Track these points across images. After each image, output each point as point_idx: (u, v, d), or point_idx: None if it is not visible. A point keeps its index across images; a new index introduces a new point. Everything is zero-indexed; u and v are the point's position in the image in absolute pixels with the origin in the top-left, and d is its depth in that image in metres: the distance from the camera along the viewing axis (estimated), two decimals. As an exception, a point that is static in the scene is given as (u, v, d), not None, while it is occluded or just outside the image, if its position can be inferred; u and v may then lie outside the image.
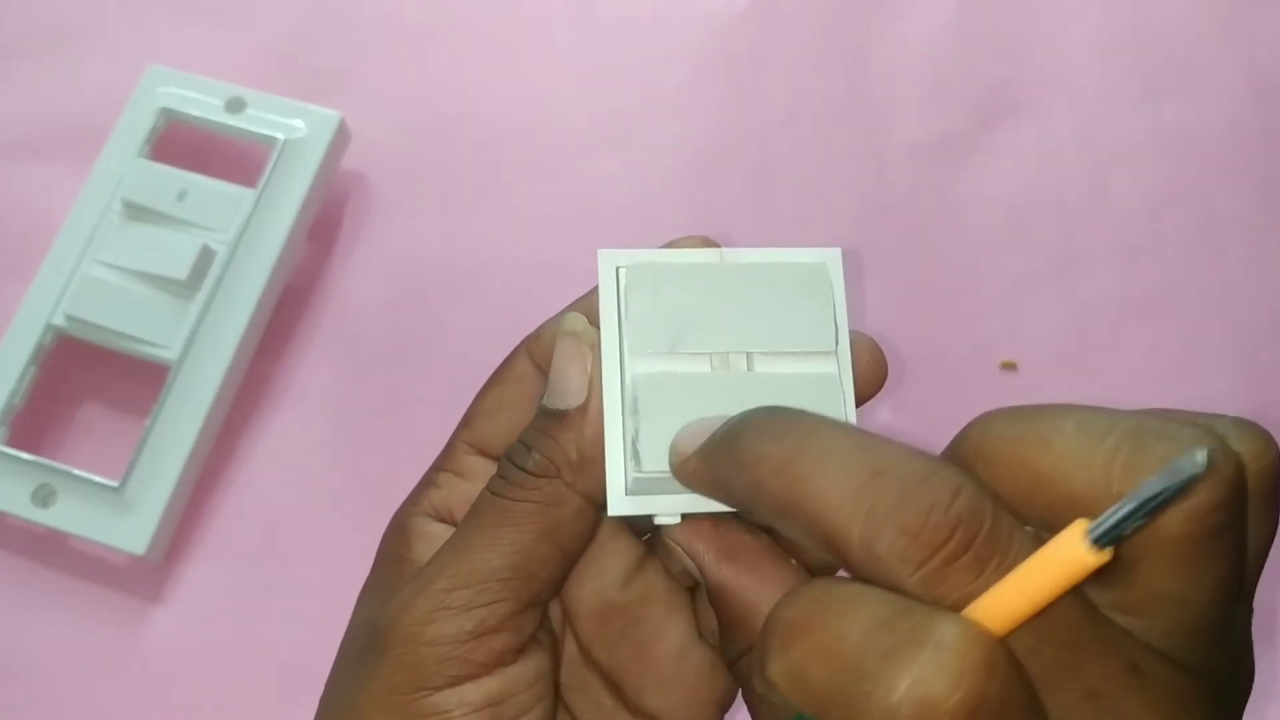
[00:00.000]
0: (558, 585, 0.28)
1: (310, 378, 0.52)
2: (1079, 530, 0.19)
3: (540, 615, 0.28)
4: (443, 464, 0.30)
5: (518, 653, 0.27)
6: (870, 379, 0.29)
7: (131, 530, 0.47)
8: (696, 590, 0.31)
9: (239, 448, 0.51)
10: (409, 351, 0.53)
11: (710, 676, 0.30)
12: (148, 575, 0.49)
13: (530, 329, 0.30)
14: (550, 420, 0.27)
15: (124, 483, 0.47)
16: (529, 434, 0.27)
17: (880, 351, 0.29)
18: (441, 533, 0.28)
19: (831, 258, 0.28)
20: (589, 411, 0.27)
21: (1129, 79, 0.58)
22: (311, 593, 0.48)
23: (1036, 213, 0.55)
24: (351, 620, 0.29)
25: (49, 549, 0.49)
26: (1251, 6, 0.59)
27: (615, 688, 0.30)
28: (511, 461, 0.27)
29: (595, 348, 0.27)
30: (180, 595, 0.49)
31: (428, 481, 0.30)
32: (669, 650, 0.30)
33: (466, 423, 0.30)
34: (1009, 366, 0.52)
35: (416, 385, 0.52)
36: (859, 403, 0.29)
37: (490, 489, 0.27)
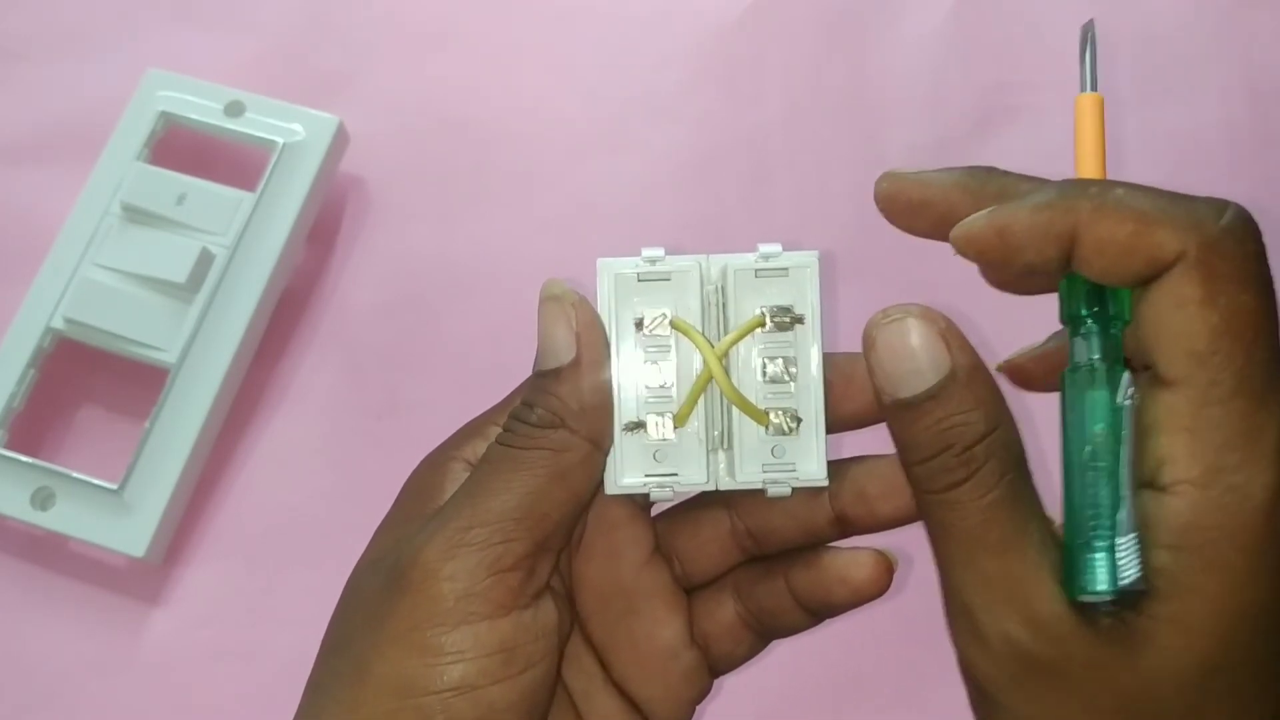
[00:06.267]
0: (568, 532, 0.29)
1: (309, 380, 0.53)
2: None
3: (553, 564, 0.28)
4: (495, 417, 0.30)
5: (532, 598, 0.28)
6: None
7: (131, 532, 0.47)
8: (694, 592, 0.32)
9: (238, 450, 0.51)
10: (407, 354, 0.53)
11: (693, 678, 0.31)
12: (147, 577, 0.49)
13: (529, 332, 0.31)
14: (546, 379, 0.28)
15: (123, 485, 0.47)
16: (529, 395, 0.28)
17: None
18: None
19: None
20: (582, 363, 0.28)
21: (1125, 82, 0.58)
22: (310, 594, 0.48)
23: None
24: (362, 559, 0.30)
25: (48, 551, 0.50)
26: (1246, 10, 0.59)
27: (604, 664, 0.31)
28: (517, 419, 0.28)
29: (577, 305, 0.28)
30: (179, 597, 0.49)
31: (474, 431, 0.30)
32: (661, 648, 0.31)
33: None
34: (1006, 368, 0.52)
35: (415, 387, 0.52)
36: (882, 421, 0.29)
37: (499, 442, 0.28)
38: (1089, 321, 0.27)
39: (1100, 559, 0.24)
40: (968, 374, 0.27)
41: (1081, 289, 0.27)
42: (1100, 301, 0.27)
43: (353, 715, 0.27)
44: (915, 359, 0.26)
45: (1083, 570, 0.25)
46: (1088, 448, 0.25)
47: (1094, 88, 0.31)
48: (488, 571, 0.27)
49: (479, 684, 0.26)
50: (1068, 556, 0.25)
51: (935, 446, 0.26)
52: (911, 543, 0.49)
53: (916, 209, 0.29)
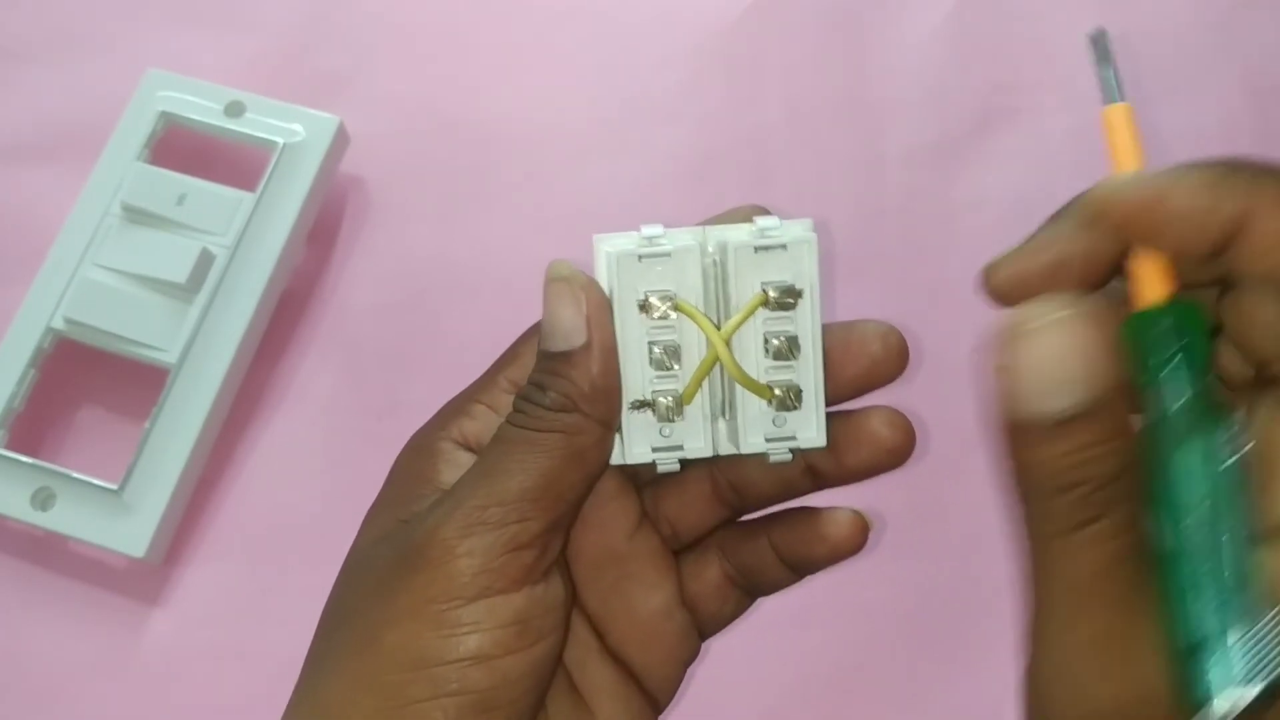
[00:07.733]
0: (578, 508, 0.29)
1: (309, 381, 0.53)
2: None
3: (564, 539, 0.29)
4: (478, 395, 0.31)
5: (544, 573, 0.28)
6: (885, 363, 0.30)
7: (131, 533, 0.47)
8: (681, 555, 0.32)
9: (238, 450, 0.51)
10: (407, 354, 0.53)
11: (685, 640, 0.32)
12: (147, 578, 0.49)
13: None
14: (556, 361, 0.28)
15: (123, 486, 0.47)
16: (540, 377, 0.28)
17: (899, 336, 0.30)
18: (468, 460, 0.29)
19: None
20: (593, 347, 0.28)
21: (1124, 82, 0.58)
22: (310, 594, 0.48)
23: (1032, 216, 0.55)
24: (360, 539, 0.30)
25: (48, 552, 0.50)
26: (1245, 9, 0.59)
27: (599, 633, 0.32)
28: (529, 400, 0.28)
29: (587, 288, 0.29)
30: (179, 598, 0.49)
31: (458, 410, 0.31)
32: (655, 610, 0.31)
33: (510, 359, 0.31)
34: (1006, 369, 0.52)
35: (415, 388, 0.52)
36: (879, 386, 0.31)
37: (511, 422, 0.29)
38: (1179, 358, 0.22)
39: (1233, 651, 0.20)
40: (1116, 394, 0.21)
41: (1165, 322, 0.23)
42: (1191, 334, 0.22)
43: (361, 686, 0.27)
44: (1067, 368, 0.21)
45: (1207, 669, 0.20)
46: (1199, 509, 0.21)
47: (1121, 97, 0.28)
48: (504, 549, 0.27)
49: (493, 654, 0.27)
50: (1184, 657, 0.21)
51: (1067, 479, 0.21)
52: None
53: (1039, 285, 0.25)
